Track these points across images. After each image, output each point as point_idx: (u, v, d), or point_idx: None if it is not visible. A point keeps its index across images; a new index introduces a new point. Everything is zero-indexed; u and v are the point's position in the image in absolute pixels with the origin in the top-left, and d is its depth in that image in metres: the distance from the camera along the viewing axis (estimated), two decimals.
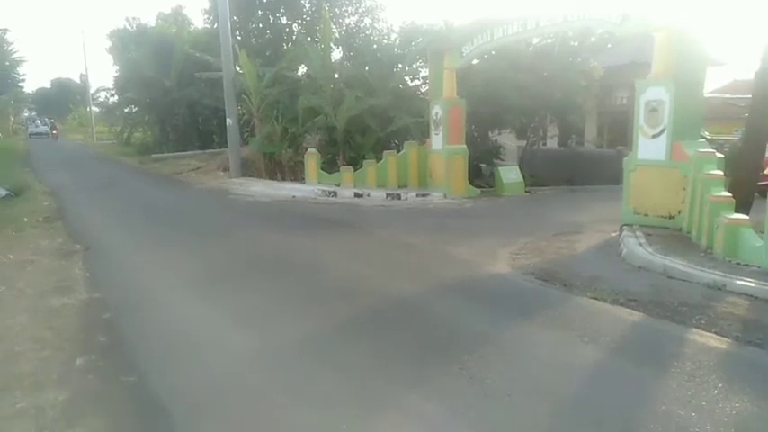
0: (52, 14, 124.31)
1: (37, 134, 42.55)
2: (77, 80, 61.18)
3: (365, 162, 15.29)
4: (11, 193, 13.63)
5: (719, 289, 5.79)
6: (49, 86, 68.56)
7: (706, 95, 11.15)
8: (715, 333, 4.65)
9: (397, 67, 18.05)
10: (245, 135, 21.05)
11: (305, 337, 4.70)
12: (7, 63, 48.76)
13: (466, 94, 14.51)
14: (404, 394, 3.64)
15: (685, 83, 8.47)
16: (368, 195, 13.94)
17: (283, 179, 17.45)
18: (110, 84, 33.62)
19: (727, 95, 20.48)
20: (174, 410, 3.48)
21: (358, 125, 16.77)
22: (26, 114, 59.42)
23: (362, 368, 4.06)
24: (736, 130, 15.26)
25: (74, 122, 58.45)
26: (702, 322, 4.89)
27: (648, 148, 8.84)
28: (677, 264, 6.55)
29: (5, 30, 48.41)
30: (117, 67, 30.11)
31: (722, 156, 8.24)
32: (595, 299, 5.65)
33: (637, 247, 7.42)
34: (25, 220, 10.36)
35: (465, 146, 14.16)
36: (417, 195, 13.86)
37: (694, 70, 8.65)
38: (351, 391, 3.72)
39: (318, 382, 3.86)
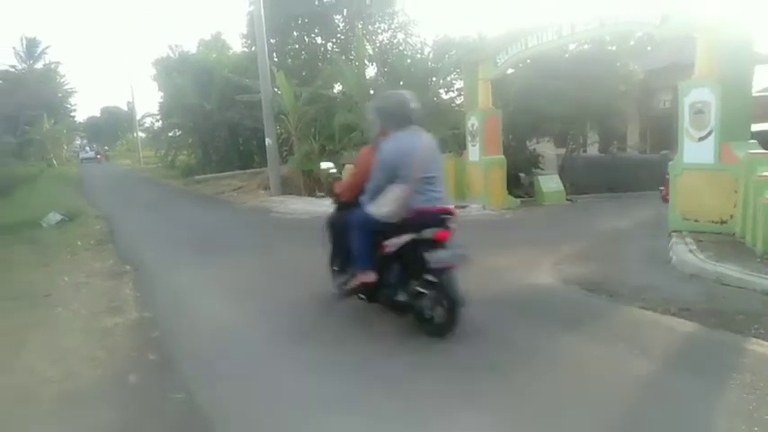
0: (100, 46, 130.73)
1: (87, 159, 50.77)
2: (125, 107, 63.93)
3: None
4: (65, 218, 14.27)
5: None
6: (98, 114, 71.82)
7: (755, 94, 10.72)
8: None
9: (432, 80, 18.10)
10: (284, 154, 21.48)
11: (356, 352, 4.65)
12: (60, 94, 51.53)
13: (502, 103, 14.40)
14: (451, 408, 3.59)
15: (732, 82, 8.16)
16: None
17: (323, 196, 17.66)
18: (155, 110, 35.09)
19: None
20: (220, 425, 3.54)
21: None
22: (78, 142, 62.44)
23: (408, 384, 4.02)
24: None
25: (122, 148, 61.00)
26: (762, 332, 4.64)
27: (695, 151, 8.53)
28: (732, 270, 6.27)
29: (57, 63, 51.26)
30: (161, 94, 31.38)
31: None
32: (645, 309, 5.45)
33: (687, 254, 7.14)
34: (79, 243, 10.81)
35: (502, 156, 14.02)
36: (455, 207, 13.75)
37: (741, 69, 8.33)
38: (395, 405, 3.70)
39: (367, 396, 3.84)
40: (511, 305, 5.93)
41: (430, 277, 4.44)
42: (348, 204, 5.02)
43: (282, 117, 18.77)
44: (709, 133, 8.34)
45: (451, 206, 4.77)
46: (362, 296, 5.06)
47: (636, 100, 17.12)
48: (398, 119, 4.60)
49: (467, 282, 6.93)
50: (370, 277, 4.62)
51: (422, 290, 4.51)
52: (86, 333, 5.52)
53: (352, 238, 4.63)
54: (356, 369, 4.28)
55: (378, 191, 4.44)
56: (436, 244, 4.42)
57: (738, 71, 8.28)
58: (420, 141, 4.57)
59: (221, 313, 6.16)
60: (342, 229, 4.85)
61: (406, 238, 4.39)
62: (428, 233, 4.42)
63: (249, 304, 6.43)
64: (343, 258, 5.15)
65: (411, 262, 4.47)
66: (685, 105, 8.63)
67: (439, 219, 4.54)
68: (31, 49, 50.25)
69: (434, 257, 4.32)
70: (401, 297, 4.64)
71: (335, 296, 5.26)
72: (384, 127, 4.66)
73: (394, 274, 4.65)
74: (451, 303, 4.44)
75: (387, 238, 4.45)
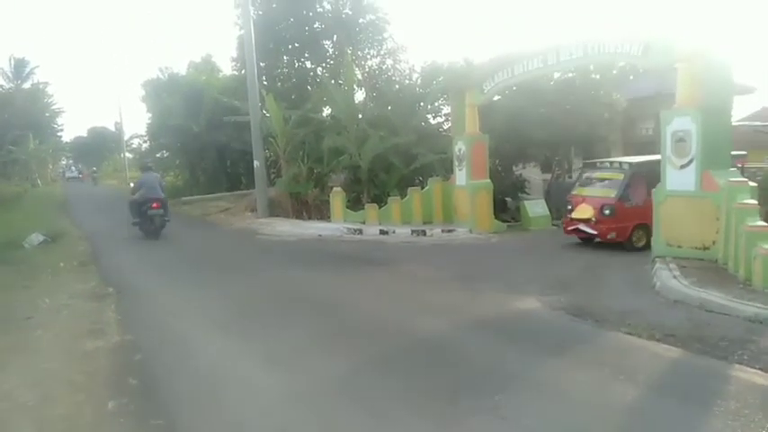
0: (89, 66, 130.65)
1: (72, 178, 51.29)
2: (112, 128, 63.63)
3: (390, 199, 15.37)
4: (48, 238, 14.06)
5: (761, 323, 5.56)
6: (85, 135, 71.33)
7: (735, 123, 10.99)
8: (759, 369, 4.45)
9: (420, 105, 18.32)
10: (272, 176, 21.46)
11: (335, 376, 4.65)
12: (47, 114, 51.23)
13: (488, 129, 14.59)
14: None
15: (712, 112, 8.37)
16: (393, 232, 13.95)
17: (309, 218, 17.63)
18: (143, 131, 34.94)
19: (758, 123, 20.09)
20: None
21: (382, 163, 16.96)
22: (63, 162, 61.99)
23: (392, 407, 3.99)
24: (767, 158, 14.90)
25: (109, 168, 60.50)
26: (745, 358, 4.69)
27: (677, 178, 8.70)
28: (715, 296, 6.34)
29: (45, 83, 51.07)
30: (150, 115, 31.26)
31: (755, 184, 8.06)
32: (630, 334, 5.48)
33: (671, 280, 7.22)
34: (61, 264, 10.65)
35: (489, 180, 14.16)
36: (443, 231, 13.81)
37: (721, 99, 8.56)
38: (382, 430, 3.66)
39: (349, 422, 3.80)
40: (496, 330, 5.92)
41: (148, 214, 13.49)
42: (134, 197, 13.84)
43: (271, 140, 18.81)
44: (691, 161, 8.52)
45: (161, 195, 13.71)
46: (139, 227, 13.79)
47: (619, 128, 17.44)
48: (145, 169, 14.75)
49: (451, 306, 6.95)
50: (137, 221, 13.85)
51: (146, 219, 13.57)
52: (67, 356, 5.41)
53: (133, 208, 13.69)
54: None
55: (135, 191, 13.76)
56: (153, 207, 13.44)
57: (719, 101, 8.51)
58: (150, 176, 13.97)
59: (204, 337, 6.08)
60: (132, 205, 13.70)
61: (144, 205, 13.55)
62: (149, 203, 13.40)
63: (233, 328, 6.35)
64: (133, 215, 13.69)
65: (145, 212, 13.42)
66: (667, 134, 8.82)
67: (153, 199, 13.40)
68: (19, 68, 50.09)
69: (151, 210, 13.43)
70: (145, 225, 13.57)
71: (133, 230, 13.75)
72: (142, 172, 14.96)
73: (143, 218, 13.46)
74: (156, 226, 13.52)
75: (141, 206, 13.48)
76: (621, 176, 10.94)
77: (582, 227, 11.00)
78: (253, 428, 3.80)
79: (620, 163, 11.35)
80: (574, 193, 11.79)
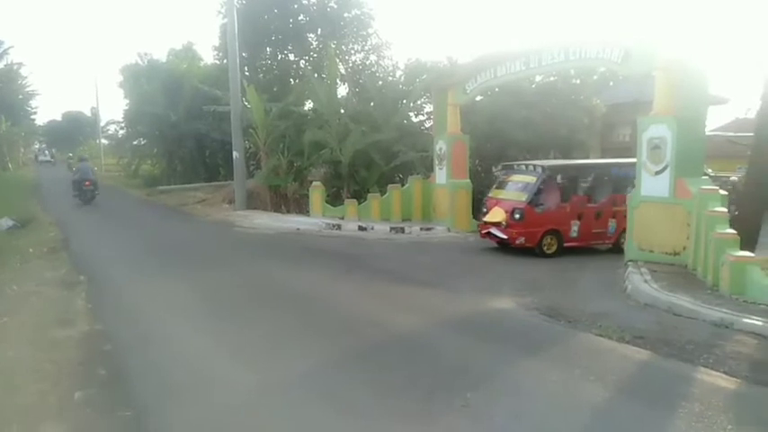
0: (65, 49, 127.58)
1: (45, 162, 51.45)
2: (88, 113, 62.22)
3: (369, 195, 15.36)
4: (17, 224, 13.71)
5: (727, 327, 5.72)
6: (60, 119, 69.64)
7: (708, 133, 11.24)
8: (723, 373, 4.57)
9: (402, 102, 18.33)
10: (252, 168, 21.24)
11: (306, 371, 4.64)
12: (20, 96, 49.77)
13: (470, 129, 14.68)
14: (407, 430, 3.57)
15: (687, 120, 8.55)
16: (372, 228, 13.95)
17: (288, 212, 17.51)
18: (120, 117, 34.21)
19: (730, 133, 20.60)
20: None
21: (363, 159, 16.93)
22: (36, 146, 60.46)
23: (365, 403, 3.99)
24: (739, 168, 15.30)
25: (84, 154, 59.19)
26: (710, 361, 4.81)
27: (652, 184, 8.87)
28: (683, 301, 6.49)
29: (20, 64, 49.58)
30: (127, 101, 30.65)
31: (725, 193, 8.26)
32: (601, 336, 5.58)
33: (642, 284, 7.36)
34: (30, 250, 10.39)
35: (469, 180, 14.24)
36: (421, 229, 13.86)
37: (696, 108, 8.75)
38: (354, 426, 3.66)
39: (321, 417, 3.79)
40: (470, 329, 5.97)
41: (83, 189, 19.27)
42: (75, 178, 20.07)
43: (251, 131, 18.61)
44: (665, 168, 8.69)
45: (92, 177, 19.70)
46: (78, 198, 19.35)
47: (598, 133, 17.73)
48: (81, 160, 22.23)
49: (426, 303, 6.99)
50: (77, 193, 19.61)
51: (84, 192, 19.31)
52: (34, 345, 5.28)
53: (74, 185, 19.74)
54: None
55: (75, 174, 20.31)
56: (86, 185, 19.25)
57: (694, 110, 8.69)
58: (85, 165, 20.42)
59: (174, 327, 6.00)
60: (74, 183, 19.84)
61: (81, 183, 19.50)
62: (84, 182, 19.35)
63: (204, 321, 6.28)
64: (74, 190, 19.65)
65: (81, 188, 19.35)
66: (643, 140, 8.98)
67: (86, 180, 19.33)
68: None
69: (84, 187, 19.26)
70: (81, 196, 19.28)
71: (74, 199, 19.33)
72: (79, 162, 22.41)
73: (80, 191, 19.38)
74: (88, 197, 19.28)
75: (81, 182, 19.38)
76: (534, 180, 10.73)
77: (493, 231, 10.80)
78: (222, 420, 3.76)
79: (535, 166, 11.09)
80: (490, 195, 11.60)
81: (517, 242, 10.44)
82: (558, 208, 10.52)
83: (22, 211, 15.67)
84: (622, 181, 11.07)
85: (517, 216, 10.40)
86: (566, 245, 10.65)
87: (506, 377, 4.54)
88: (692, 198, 8.18)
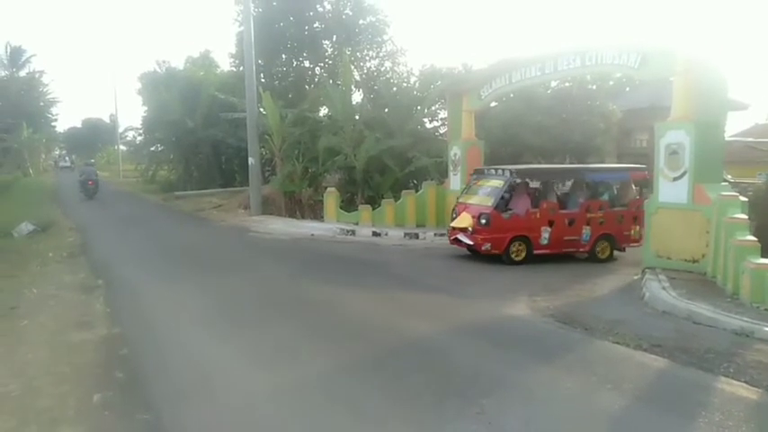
0: (86, 57, 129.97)
1: (65, 167, 54.07)
2: (107, 120, 63.27)
3: (384, 201, 15.36)
4: (37, 228, 13.95)
5: (747, 336, 5.61)
6: (80, 126, 70.85)
7: (728, 139, 11.08)
8: (744, 382, 4.49)
9: (417, 108, 18.34)
10: (267, 174, 21.40)
11: (320, 376, 4.64)
12: (42, 103, 50.80)
13: (484, 135, 14.63)
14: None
15: (706, 126, 8.44)
16: (386, 234, 13.94)
17: (303, 217, 17.59)
18: (138, 124, 34.73)
19: (750, 139, 20.30)
20: None
21: (377, 165, 16.96)
22: (57, 152, 61.63)
23: (379, 409, 3.99)
24: (760, 174, 15.06)
25: (102, 160, 60.12)
26: (731, 371, 4.72)
27: (670, 191, 8.75)
28: (703, 309, 6.38)
29: (41, 72, 50.67)
30: (145, 108, 31.13)
31: (746, 199, 8.13)
32: (618, 343, 5.51)
33: (660, 291, 7.26)
34: (50, 255, 10.57)
35: None
36: (435, 235, 13.81)
37: (715, 114, 8.63)
38: (367, 431, 3.65)
39: (335, 423, 3.79)
40: (485, 336, 5.93)
41: (87, 187, 24.05)
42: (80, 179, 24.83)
43: (267, 137, 18.76)
44: (684, 174, 8.57)
45: (95, 178, 24.64)
46: (83, 194, 24.04)
47: (614, 139, 17.55)
48: (87, 164, 26.76)
49: (441, 310, 6.96)
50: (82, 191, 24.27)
51: (87, 189, 24.14)
52: (52, 348, 5.36)
53: (81, 184, 24.36)
54: None
55: (80, 175, 25.19)
56: (89, 184, 24.09)
57: (713, 115, 8.57)
58: (89, 168, 25.49)
59: (190, 331, 6.05)
60: (80, 183, 24.48)
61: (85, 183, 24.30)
62: (88, 182, 24.14)
63: (220, 325, 6.33)
64: (80, 189, 24.35)
65: (86, 186, 24.10)
66: (661, 146, 8.87)
67: (89, 180, 24.09)
68: (15, 56, 49.65)
69: (88, 185, 24.10)
70: (85, 193, 24.01)
71: (80, 195, 24.10)
72: (85, 165, 26.94)
73: (84, 189, 24.09)
74: (91, 193, 23.99)
75: (86, 182, 24.16)
76: (502, 184, 10.37)
77: (460, 236, 10.48)
78: (238, 424, 3.78)
79: (504, 170, 10.74)
80: (459, 200, 11.29)
81: (483, 248, 10.07)
82: (527, 213, 10.16)
83: (42, 216, 15.94)
84: (598, 187, 10.77)
85: (483, 221, 10.01)
86: (536, 252, 10.23)
87: (522, 385, 4.50)
88: (712, 204, 8.06)
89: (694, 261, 8.42)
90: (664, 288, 7.40)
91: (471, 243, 10.30)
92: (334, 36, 23.52)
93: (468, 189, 11.51)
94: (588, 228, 10.48)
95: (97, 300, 7.28)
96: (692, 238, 8.43)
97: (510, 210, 10.30)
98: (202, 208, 20.72)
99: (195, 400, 4.20)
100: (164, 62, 31.25)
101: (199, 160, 27.59)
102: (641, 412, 4.01)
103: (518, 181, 10.48)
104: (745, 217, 7.52)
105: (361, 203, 16.20)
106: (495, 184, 10.57)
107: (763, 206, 9.33)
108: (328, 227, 14.87)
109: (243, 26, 20.14)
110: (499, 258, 10.23)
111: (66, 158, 56.71)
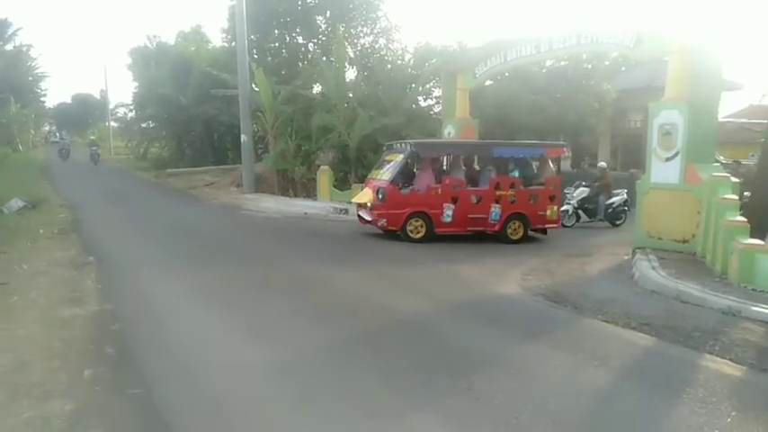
0: (75, 31, 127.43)
1: (56, 142, 51.80)
2: (98, 96, 62.41)
3: None
4: (28, 204, 13.82)
5: (734, 315, 5.69)
6: (69, 101, 69.82)
7: (721, 120, 11.09)
8: (729, 360, 4.56)
9: (411, 87, 18.21)
10: (260, 152, 21.26)
11: (311, 353, 4.67)
12: (30, 78, 49.92)
13: (479, 113, 14.57)
14: (411, 413, 3.59)
15: (700, 106, 8.43)
16: None
17: (296, 196, 17.55)
18: (129, 100, 34.31)
19: (743, 120, 20.32)
20: (176, 425, 3.47)
21: (371, 143, 16.89)
22: (47, 128, 60.77)
23: (369, 386, 4.02)
24: (752, 155, 15.11)
25: (93, 136, 59.49)
26: (716, 348, 4.80)
27: (662, 171, 8.78)
28: (691, 288, 6.45)
29: (30, 46, 49.70)
30: (136, 84, 30.72)
31: (737, 180, 8.17)
32: (606, 322, 5.57)
33: (650, 271, 7.33)
34: (41, 231, 10.49)
35: None
36: None
37: (709, 94, 8.62)
38: (357, 408, 3.69)
39: (325, 399, 3.82)
40: (476, 314, 5.98)
41: (62, 152, 31.29)
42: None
43: (259, 114, 18.60)
44: (676, 154, 8.59)
45: (68, 147, 32.28)
46: (59, 157, 31.00)
47: (608, 118, 17.53)
48: (92, 144, 31.08)
49: (432, 289, 7.01)
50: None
51: (61, 154, 31.20)
52: (43, 323, 5.35)
53: (58, 150, 31.45)
54: None
55: (58, 145, 33.46)
56: (63, 150, 31.42)
57: (707, 96, 8.56)
58: (63, 139, 35.74)
59: (180, 308, 6.06)
60: (59, 150, 31.92)
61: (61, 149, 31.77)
62: (62, 148, 32.00)
63: (212, 301, 6.34)
64: (57, 154, 31.78)
65: (61, 151, 31.70)
66: (654, 126, 8.87)
67: (63, 147, 31.87)
68: (1, 30, 48.70)
69: (62, 150, 31.63)
70: (62, 156, 31.01)
71: (60, 161, 30.16)
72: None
73: (61, 153, 31.58)
74: (64, 155, 31.09)
75: (61, 149, 32.02)
76: (400, 158, 10.12)
77: (361, 212, 10.24)
78: (229, 399, 3.81)
79: (405, 144, 10.52)
80: (369, 176, 11.04)
81: (379, 224, 9.83)
82: (427, 189, 9.84)
83: (32, 192, 15.78)
84: (508, 163, 10.48)
85: (380, 196, 9.76)
86: (437, 230, 9.95)
87: (511, 361, 4.55)
88: (703, 185, 8.10)
89: (684, 241, 8.49)
90: (653, 268, 7.47)
91: (369, 219, 10.02)
92: (328, 12, 23.18)
93: (377, 165, 11.20)
94: (498, 206, 10.08)
95: (88, 276, 7.25)
96: (683, 219, 8.49)
97: (408, 185, 10.00)
98: (194, 186, 20.60)
99: (186, 375, 4.21)
100: (154, 37, 30.84)
101: (191, 137, 27.34)
102: (627, 388, 4.07)
103: (416, 154, 10.15)
104: (736, 197, 7.57)
105: (355, 182, 16.16)
106: (397, 158, 10.26)
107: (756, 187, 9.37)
108: (321, 205, 14.85)
109: (235, 0, 19.76)
110: (487, 237, 10.13)
111: (57, 134, 55.79)
